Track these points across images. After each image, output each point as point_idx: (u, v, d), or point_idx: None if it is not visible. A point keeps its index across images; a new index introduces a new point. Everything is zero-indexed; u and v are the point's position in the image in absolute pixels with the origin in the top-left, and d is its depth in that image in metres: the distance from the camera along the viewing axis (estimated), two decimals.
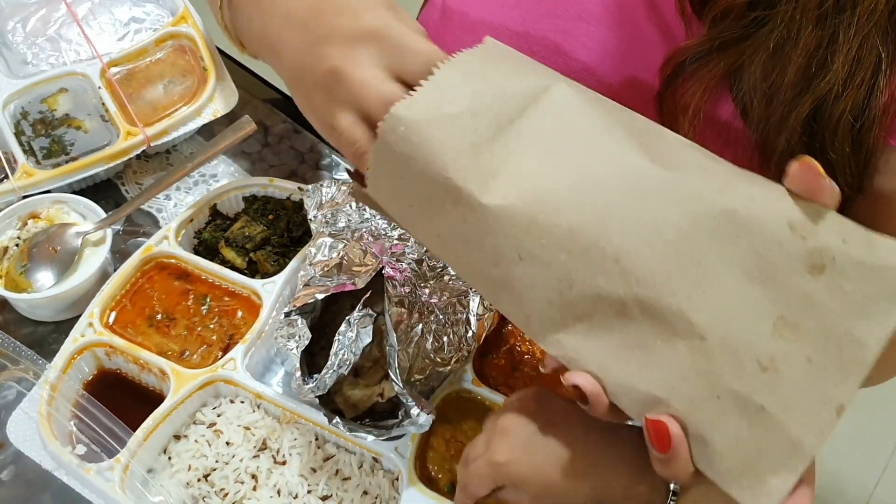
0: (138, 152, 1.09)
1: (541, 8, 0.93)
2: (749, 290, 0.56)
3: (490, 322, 0.91)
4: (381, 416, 0.88)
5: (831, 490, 2.11)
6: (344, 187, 0.97)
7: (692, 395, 0.58)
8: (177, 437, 0.91)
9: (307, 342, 0.86)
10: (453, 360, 0.88)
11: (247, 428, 0.91)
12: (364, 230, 0.92)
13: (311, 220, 0.96)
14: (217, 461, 0.89)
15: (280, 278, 0.98)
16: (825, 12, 0.76)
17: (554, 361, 0.64)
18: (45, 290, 0.98)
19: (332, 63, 0.67)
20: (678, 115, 0.85)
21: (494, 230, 0.60)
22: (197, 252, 1.03)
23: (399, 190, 0.64)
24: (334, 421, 0.85)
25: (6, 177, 1.05)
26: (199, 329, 0.97)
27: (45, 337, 1.00)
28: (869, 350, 0.55)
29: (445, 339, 0.87)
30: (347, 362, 0.83)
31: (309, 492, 0.88)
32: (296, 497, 0.87)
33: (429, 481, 0.88)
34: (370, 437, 0.85)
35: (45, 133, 1.09)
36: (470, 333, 0.88)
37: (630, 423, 0.69)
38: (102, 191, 1.12)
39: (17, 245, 1.01)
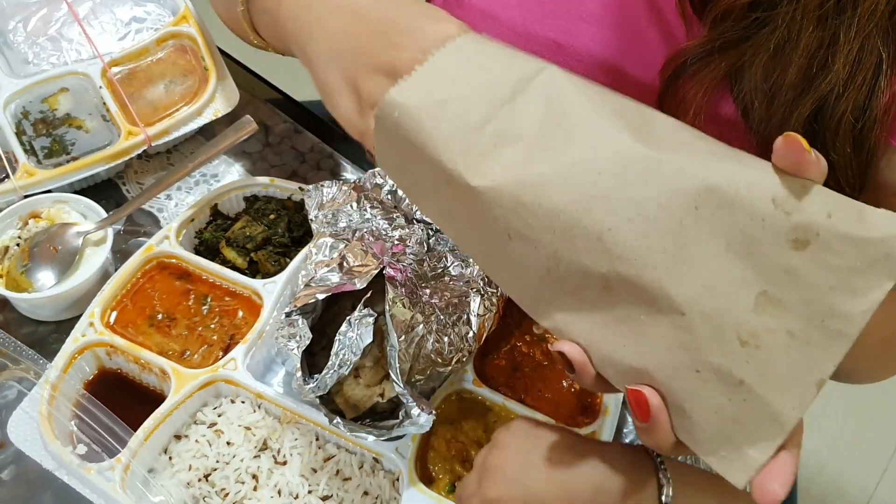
0: (139, 152, 1.09)
1: (542, 8, 0.93)
2: (731, 266, 0.57)
3: (491, 322, 0.91)
4: (382, 416, 0.88)
5: (832, 491, 2.11)
6: (345, 187, 0.97)
7: (673, 368, 0.59)
8: (177, 437, 0.91)
9: (308, 342, 0.86)
10: (454, 360, 0.87)
11: (247, 428, 0.91)
12: (365, 230, 0.92)
13: (311, 220, 0.96)
14: (218, 461, 0.89)
15: (281, 278, 0.98)
16: (826, 13, 0.76)
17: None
18: (45, 289, 0.98)
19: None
20: (679, 116, 0.85)
21: (484, 211, 0.62)
22: (198, 252, 1.03)
23: (400, 169, 0.68)
24: (335, 421, 0.85)
25: (7, 176, 1.05)
26: (199, 329, 0.97)
27: (45, 336, 1.01)
28: (852, 324, 0.55)
29: (446, 339, 0.87)
30: (348, 362, 0.83)
31: (309, 492, 0.88)
32: (296, 497, 0.87)
33: (429, 482, 0.88)
34: (371, 438, 0.84)
35: (47, 132, 1.09)
36: (471, 334, 0.88)
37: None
38: (103, 190, 1.12)
39: (17, 245, 1.02)
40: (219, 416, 0.92)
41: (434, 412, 0.83)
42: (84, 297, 0.99)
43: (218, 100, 1.12)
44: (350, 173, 1.16)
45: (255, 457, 0.89)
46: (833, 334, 0.56)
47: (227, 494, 0.87)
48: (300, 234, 1.04)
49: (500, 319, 0.94)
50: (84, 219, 1.04)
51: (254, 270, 1.02)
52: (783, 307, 0.56)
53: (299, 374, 0.86)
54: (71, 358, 0.93)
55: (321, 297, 0.86)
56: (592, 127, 0.60)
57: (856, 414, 2.17)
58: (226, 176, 1.15)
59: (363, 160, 1.17)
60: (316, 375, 0.85)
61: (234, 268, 1.01)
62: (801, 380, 0.57)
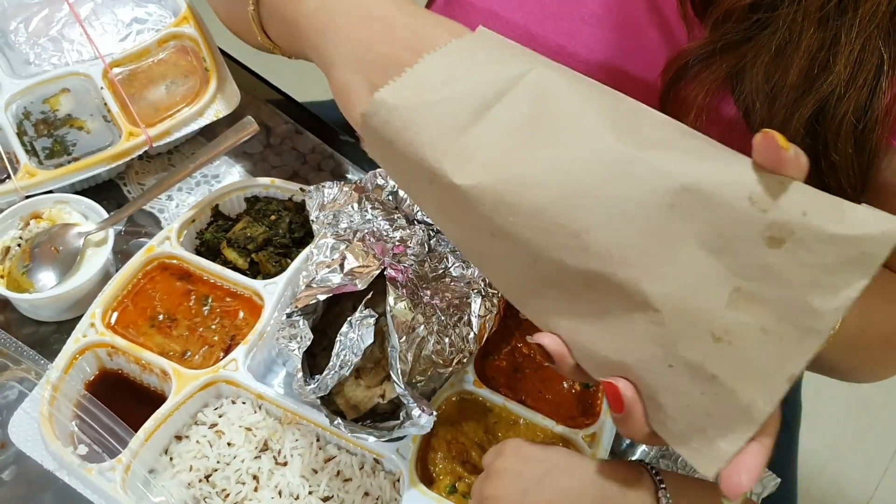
0: (140, 153, 1.09)
1: (544, 10, 0.93)
2: (706, 263, 0.58)
3: (492, 323, 0.91)
4: (383, 417, 0.88)
5: (831, 493, 2.11)
6: (346, 188, 0.97)
7: (647, 362, 0.61)
8: (178, 438, 0.91)
9: (309, 343, 0.86)
10: (455, 361, 0.87)
11: (248, 429, 0.91)
12: (366, 231, 0.92)
13: (313, 221, 0.96)
14: (218, 462, 0.89)
15: (282, 279, 0.98)
16: (827, 14, 0.77)
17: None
18: (47, 290, 0.98)
19: None
20: (681, 117, 0.85)
21: (468, 209, 0.63)
22: (199, 253, 1.03)
23: (389, 165, 0.70)
24: (336, 422, 0.85)
25: (8, 177, 1.05)
26: (200, 330, 0.97)
27: (46, 337, 1.01)
28: (824, 321, 0.56)
29: (447, 340, 0.86)
30: (349, 363, 0.83)
31: (310, 493, 0.88)
32: (297, 498, 0.87)
33: (430, 483, 0.88)
34: (371, 439, 0.84)
35: (48, 133, 1.09)
36: (471, 335, 0.88)
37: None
38: (104, 191, 1.12)
39: (19, 245, 1.02)
40: (219, 416, 0.92)
41: (435, 413, 0.83)
42: (85, 297, 0.99)
43: (219, 101, 1.12)
44: (351, 174, 1.16)
45: (255, 457, 0.89)
46: (806, 330, 0.57)
47: (227, 495, 0.87)
48: (301, 235, 1.04)
49: (500, 320, 0.94)
50: (85, 219, 1.04)
51: (255, 271, 1.02)
52: (757, 303, 0.57)
53: (300, 374, 0.86)
54: (72, 358, 0.93)
55: (322, 297, 0.86)
56: (576, 126, 0.61)
57: (856, 415, 2.17)
58: (227, 177, 1.15)
59: (364, 161, 1.17)
60: (317, 376, 0.85)
61: (235, 268, 1.01)
62: (773, 375, 0.58)
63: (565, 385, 0.95)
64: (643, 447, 0.94)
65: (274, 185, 1.07)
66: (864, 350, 0.88)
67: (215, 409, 0.92)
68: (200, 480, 0.88)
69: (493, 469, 0.78)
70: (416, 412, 0.82)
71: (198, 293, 0.99)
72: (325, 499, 0.88)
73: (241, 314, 0.98)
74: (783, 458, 1.28)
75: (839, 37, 0.77)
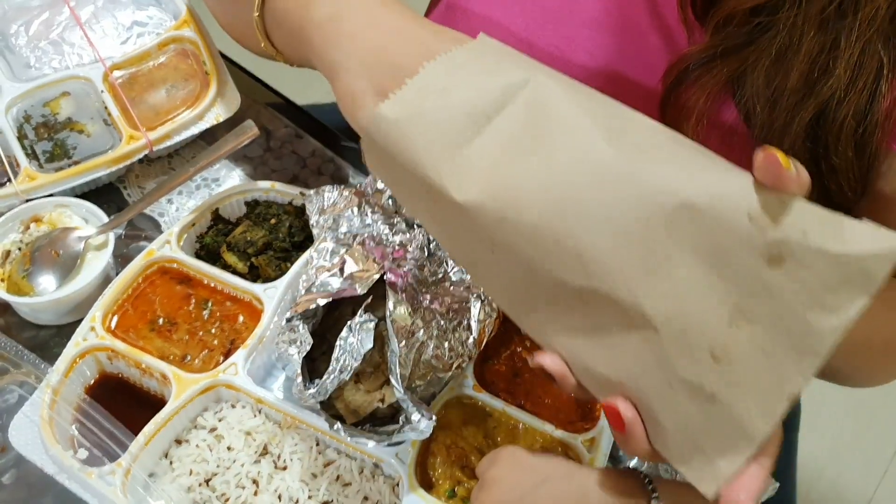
0: (141, 156, 1.09)
1: (544, 16, 0.93)
2: (705, 281, 0.57)
3: (491, 328, 0.91)
4: (382, 421, 0.88)
5: (830, 496, 2.11)
6: (346, 192, 0.97)
7: (646, 381, 0.61)
8: (178, 442, 0.91)
9: (309, 348, 0.86)
10: (454, 365, 0.88)
11: (248, 433, 0.91)
12: (366, 235, 0.92)
13: (312, 225, 0.96)
14: (218, 466, 0.89)
15: (281, 283, 0.98)
16: (827, 18, 0.77)
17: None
18: (47, 294, 0.98)
19: None
20: (682, 122, 0.85)
21: (468, 224, 0.63)
22: (199, 256, 1.03)
23: (389, 179, 0.70)
24: (335, 427, 0.85)
25: (9, 180, 1.05)
26: (200, 334, 0.97)
27: (46, 340, 1.01)
28: (823, 340, 0.56)
29: (447, 344, 0.87)
30: (349, 368, 0.83)
31: (310, 497, 0.88)
32: (297, 502, 0.87)
33: (429, 487, 0.88)
34: (371, 443, 0.84)
35: (48, 137, 1.09)
36: (471, 339, 0.88)
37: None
38: (104, 194, 1.12)
39: (19, 249, 1.02)
40: (219, 420, 0.92)
41: (434, 418, 0.83)
42: (85, 301, 0.99)
43: (219, 104, 1.12)
44: (351, 178, 1.16)
45: (255, 462, 0.89)
46: (804, 350, 0.56)
47: (227, 499, 0.87)
48: (301, 239, 1.04)
49: (500, 325, 0.94)
50: (85, 223, 1.04)
51: (255, 275, 1.02)
52: (756, 322, 0.57)
53: (300, 379, 0.86)
54: (72, 362, 0.93)
55: (322, 302, 0.86)
56: (574, 140, 0.60)
57: (855, 416, 2.17)
58: (227, 180, 1.15)
59: (363, 165, 1.17)
60: (316, 381, 0.85)
61: (235, 272, 1.01)
62: (772, 394, 0.58)
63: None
64: None
65: (274, 189, 1.07)
66: (865, 355, 0.89)
67: (215, 413, 0.92)
68: (200, 484, 0.88)
69: (489, 478, 0.78)
70: (415, 417, 0.82)
71: (198, 297, 0.99)
72: (325, 503, 0.88)
73: (241, 318, 0.98)
74: (782, 462, 1.28)
75: (839, 41, 0.77)
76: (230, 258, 1.02)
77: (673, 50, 0.89)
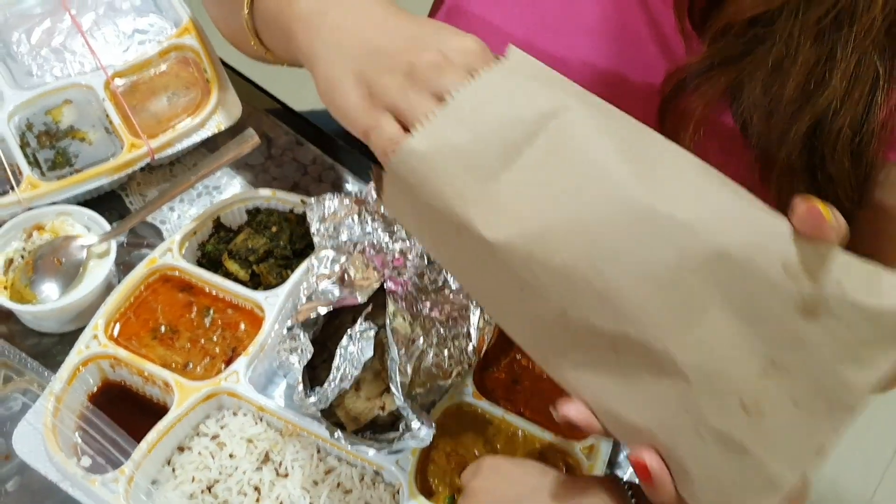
0: (142, 164, 1.09)
1: (543, 23, 0.94)
2: (738, 332, 0.57)
3: (491, 335, 0.92)
4: (382, 428, 0.89)
5: (830, 496, 2.11)
6: (346, 200, 0.97)
7: (676, 430, 0.60)
8: (180, 449, 0.92)
9: (310, 356, 0.86)
10: (454, 373, 0.88)
11: (249, 440, 0.91)
12: (366, 243, 0.92)
13: (313, 233, 0.96)
14: (220, 473, 0.90)
15: (282, 291, 0.98)
16: (823, 29, 0.77)
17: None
18: (50, 302, 0.99)
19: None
20: (680, 130, 0.86)
21: (496, 263, 0.61)
22: (200, 264, 1.04)
23: (410, 214, 0.67)
24: (336, 435, 0.86)
25: (11, 188, 1.05)
26: (202, 341, 0.98)
27: (49, 348, 1.01)
28: (856, 394, 0.56)
29: (446, 352, 0.87)
30: (349, 376, 0.84)
31: None
32: None
33: (429, 494, 0.88)
34: (371, 451, 0.85)
35: (50, 145, 1.10)
36: (470, 347, 0.89)
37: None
38: (106, 201, 1.12)
39: (22, 257, 1.02)
40: (221, 428, 0.92)
41: (434, 426, 0.83)
42: (88, 309, 1.00)
43: (220, 112, 1.13)
44: (351, 185, 1.17)
45: (257, 469, 0.90)
46: (836, 404, 0.56)
47: None
48: (302, 247, 1.04)
49: (499, 332, 0.95)
50: (88, 231, 1.04)
51: (256, 283, 1.02)
52: (788, 375, 0.56)
53: (301, 387, 0.86)
54: (75, 370, 0.94)
55: (323, 311, 0.87)
56: (606, 177, 0.59)
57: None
58: (228, 188, 1.16)
59: (364, 172, 1.17)
60: (317, 389, 0.86)
61: (237, 280, 1.01)
62: (802, 447, 0.57)
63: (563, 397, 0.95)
64: None
65: (275, 197, 1.07)
66: None
67: (217, 420, 0.93)
68: (203, 491, 0.89)
69: (472, 489, 0.79)
70: (415, 424, 0.83)
71: (199, 305, 1.00)
72: None
73: (243, 326, 0.99)
74: None
75: (835, 51, 0.78)
76: (232, 266, 1.02)
77: (671, 59, 0.89)
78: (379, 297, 0.86)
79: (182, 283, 1.01)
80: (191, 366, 0.96)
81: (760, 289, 0.56)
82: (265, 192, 1.07)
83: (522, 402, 0.95)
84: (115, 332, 0.98)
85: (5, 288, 1.00)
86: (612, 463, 0.94)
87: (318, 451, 0.91)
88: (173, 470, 0.91)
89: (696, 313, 0.57)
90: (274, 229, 1.05)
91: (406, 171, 0.62)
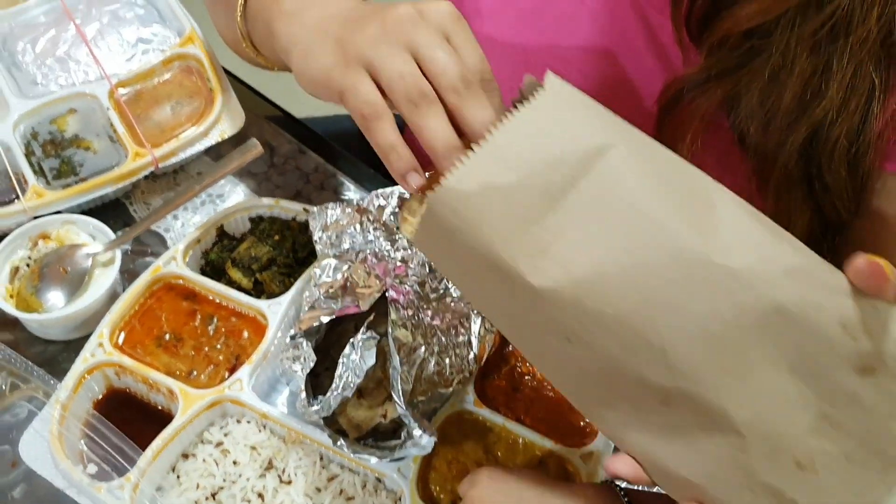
0: (146, 173, 1.10)
1: (541, 35, 0.95)
2: (793, 388, 0.56)
3: (491, 344, 0.93)
4: (384, 436, 0.90)
5: None
6: (349, 209, 0.98)
7: (727, 485, 0.59)
8: (185, 456, 0.93)
9: (312, 364, 0.87)
10: (455, 381, 0.89)
11: (253, 447, 0.92)
12: (368, 252, 0.93)
13: (316, 241, 0.97)
14: (224, 480, 0.91)
15: (285, 299, 0.99)
16: (819, 41, 0.78)
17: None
18: (56, 310, 1.00)
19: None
20: (676, 142, 0.86)
21: (542, 312, 0.59)
22: (204, 272, 1.05)
23: (446, 256, 0.64)
24: (339, 443, 0.87)
25: (17, 197, 1.06)
26: (206, 349, 0.99)
27: (55, 356, 1.02)
28: None
29: (447, 360, 0.88)
30: (352, 384, 0.85)
31: None
32: None
33: (431, 501, 0.89)
34: (374, 459, 0.86)
35: (55, 154, 1.11)
36: (471, 355, 0.90)
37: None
38: (110, 209, 1.13)
39: (27, 265, 1.03)
40: (225, 435, 0.93)
41: (435, 434, 0.84)
42: (93, 317, 1.01)
43: (224, 121, 1.13)
44: (353, 193, 1.18)
45: (260, 476, 0.91)
46: (889, 461, 0.56)
47: None
48: (304, 255, 1.05)
49: (500, 341, 0.96)
50: (93, 239, 1.05)
51: (259, 291, 1.03)
52: (842, 431, 0.56)
53: (304, 395, 0.87)
54: (80, 378, 0.95)
55: (325, 319, 0.88)
56: (656, 225, 0.57)
57: None
58: (231, 196, 1.17)
59: (366, 180, 1.18)
60: (320, 397, 0.86)
61: (240, 288, 1.02)
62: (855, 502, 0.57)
63: (563, 405, 0.96)
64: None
65: (278, 206, 1.08)
66: None
67: (221, 427, 0.94)
68: (207, 498, 0.90)
69: (469, 498, 0.80)
70: (417, 432, 0.84)
71: (203, 313, 1.01)
72: None
73: (246, 334, 1.00)
74: None
75: (831, 62, 0.78)
76: (235, 274, 1.03)
77: (668, 70, 0.90)
78: (381, 305, 0.87)
79: (186, 291, 1.02)
80: (195, 373, 0.97)
81: (817, 345, 0.56)
82: (268, 200, 1.08)
83: (523, 409, 0.96)
84: (120, 340, 0.98)
85: (11, 296, 1.01)
86: None
87: (321, 459, 0.92)
88: (178, 477, 0.92)
89: (751, 368, 0.56)
90: (277, 238, 1.06)
91: (446, 211, 0.59)
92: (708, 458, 0.59)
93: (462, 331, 0.90)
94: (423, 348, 0.86)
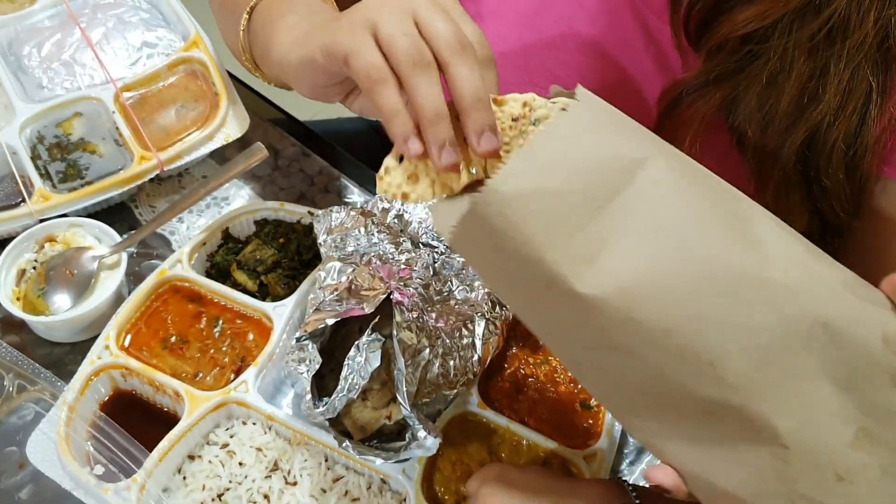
0: (152, 176, 1.11)
1: (541, 40, 0.95)
2: (834, 400, 0.57)
3: (495, 346, 0.93)
4: (389, 437, 0.90)
5: None
6: (353, 212, 0.99)
7: (767, 497, 0.59)
8: (191, 458, 0.94)
9: (318, 366, 0.88)
10: (459, 383, 0.89)
11: (259, 449, 0.93)
12: (372, 254, 0.94)
13: (320, 244, 0.98)
14: (230, 481, 0.91)
15: (290, 301, 1.00)
16: (816, 45, 0.79)
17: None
18: (62, 312, 1.00)
19: None
20: (676, 145, 0.86)
21: (588, 320, 0.59)
22: (209, 275, 1.06)
23: (487, 259, 0.64)
24: (344, 444, 0.87)
25: (23, 200, 1.07)
26: (211, 351, 0.99)
27: (61, 357, 1.03)
28: None
29: (452, 362, 0.88)
30: (356, 386, 0.85)
31: None
32: None
33: (435, 502, 0.90)
34: (379, 461, 0.87)
35: (61, 157, 1.11)
36: (475, 357, 0.90)
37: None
38: (116, 212, 1.14)
39: (34, 268, 1.04)
40: (231, 437, 0.94)
41: (440, 435, 0.85)
42: (99, 319, 1.01)
43: (229, 124, 1.14)
44: (357, 195, 1.18)
45: (266, 477, 0.92)
46: None
47: None
48: (309, 258, 1.06)
49: (503, 342, 0.97)
50: (98, 242, 1.06)
51: (264, 293, 1.04)
52: (880, 444, 0.57)
53: (309, 397, 0.88)
54: (87, 380, 0.95)
55: (330, 322, 0.88)
56: (700, 235, 0.58)
57: None
58: (236, 199, 1.18)
59: (370, 183, 1.19)
60: (325, 399, 0.87)
61: (245, 291, 1.03)
62: None
63: (566, 406, 0.97)
64: (642, 465, 0.96)
65: (283, 209, 1.09)
66: None
67: (227, 429, 0.95)
68: (213, 499, 0.91)
69: (480, 495, 0.80)
70: (421, 434, 0.84)
71: (209, 315, 1.02)
72: None
73: (251, 336, 1.00)
74: None
75: (828, 66, 0.79)
76: (240, 276, 1.04)
77: (667, 74, 0.91)
78: (385, 307, 0.88)
79: (192, 293, 1.03)
80: (201, 375, 0.98)
81: (860, 359, 0.57)
82: (273, 203, 1.09)
83: (526, 411, 0.96)
84: (127, 343, 0.99)
85: (18, 298, 1.02)
86: (615, 471, 0.96)
87: (326, 460, 0.93)
88: (184, 478, 0.92)
89: (796, 381, 0.57)
90: (281, 240, 1.06)
91: (491, 213, 0.59)
92: (749, 470, 0.59)
93: (466, 333, 0.90)
94: (427, 350, 0.87)
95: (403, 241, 0.96)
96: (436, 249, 0.97)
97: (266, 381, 0.97)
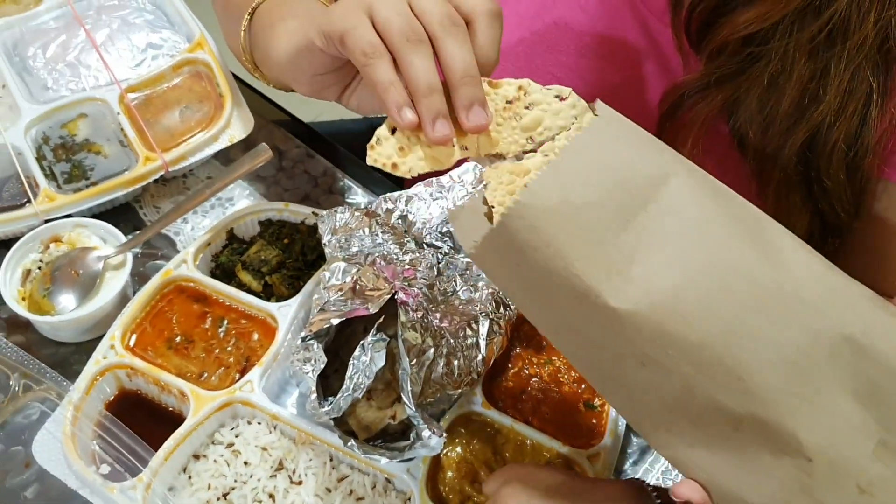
0: (156, 177, 1.12)
1: (542, 43, 0.96)
2: (856, 413, 0.58)
3: (499, 345, 0.94)
4: (393, 437, 0.91)
5: None
6: (357, 213, 0.99)
7: None
8: (196, 457, 0.94)
9: (323, 366, 0.88)
10: (463, 383, 0.90)
11: (264, 448, 0.94)
12: (377, 255, 0.94)
13: (325, 244, 0.98)
14: (236, 481, 0.92)
15: (295, 301, 1.00)
16: (817, 46, 0.79)
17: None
18: (67, 312, 1.01)
19: None
20: (678, 147, 0.86)
21: (619, 334, 0.59)
22: (214, 275, 1.06)
23: (512, 272, 0.63)
24: (349, 443, 0.88)
25: (29, 201, 1.08)
26: (216, 351, 1.00)
27: (66, 357, 1.03)
28: None
29: (456, 362, 0.89)
30: (361, 386, 0.85)
31: None
32: None
33: (440, 501, 0.91)
34: (384, 460, 0.87)
35: (66, 158, 1.12)
36: (479, 357, 0.91)
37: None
38: (121, 213, 1.15)
39: (39, 268, 1.05)
40: (236, 436, 0.95)
41: (444, 435, 0.85)
42: (104, 319, 1.02)
43: (233, 125, 1.15)
44: (361, 196, 1.19)
45: (271, 476, 0.92)
46: None
47: None
48: (314, 258, 1.06)
49: (507, 342, 0.97)
50: (104, 242, 1.07)
51: (268, 293, 1.04)
52: None
53: (314, 396, 0.88)
54: (93, 380, 0.96)
55: (335, 321, 0.89)
56: (728, 249, 0.59)
57: None
58: (240, 200, 1.18)
59: (373, 184, 1.19)
60: (330, 399, 0.87)
61: (250, 291, 1.03)
62: None
63: (570, 406, 0.97)
64: (646, 465, 0.97)
65: (287, 209, 1.09)
66: None
67: (232, 429, 0.95)
68: (218, 499, 0.91)
69: (501, 497, 0.81)
70: (426, 433, 0.84)
71: (213, 315, 1.02)
72: None
73: (256, 336, 1.01)
74: None
75: (829, 68, 0.80)
76: (245, 277, 1.04)
77: (668, 76, 0.91)
78: (390, 307, 0.88)
79: (196, 293, 1.03)
80: (206, 375, 0.98)
81: (880, 372, 0.58)
82: (277, 204, 1.10)
83: (530, 411, 0.97)
84: (132, 343, 1.00)
85: (23, 298, 1.02)
86: (619, 471, 0.96)
87: (331, 460, 0.93)
88: (189, 477, 0.93)
89: (820, 394, 0.58)
90: (286, 241, 1.07)
91: (520, 226, 0.59)
92: (773, 482, 0.60)
93: (470, 333, 0.91)
94: (432, 350, 0.87)
95: (407, 241, 0.97)
96: (440, 250, 0.97)
97: (271, 381, 0.97)
